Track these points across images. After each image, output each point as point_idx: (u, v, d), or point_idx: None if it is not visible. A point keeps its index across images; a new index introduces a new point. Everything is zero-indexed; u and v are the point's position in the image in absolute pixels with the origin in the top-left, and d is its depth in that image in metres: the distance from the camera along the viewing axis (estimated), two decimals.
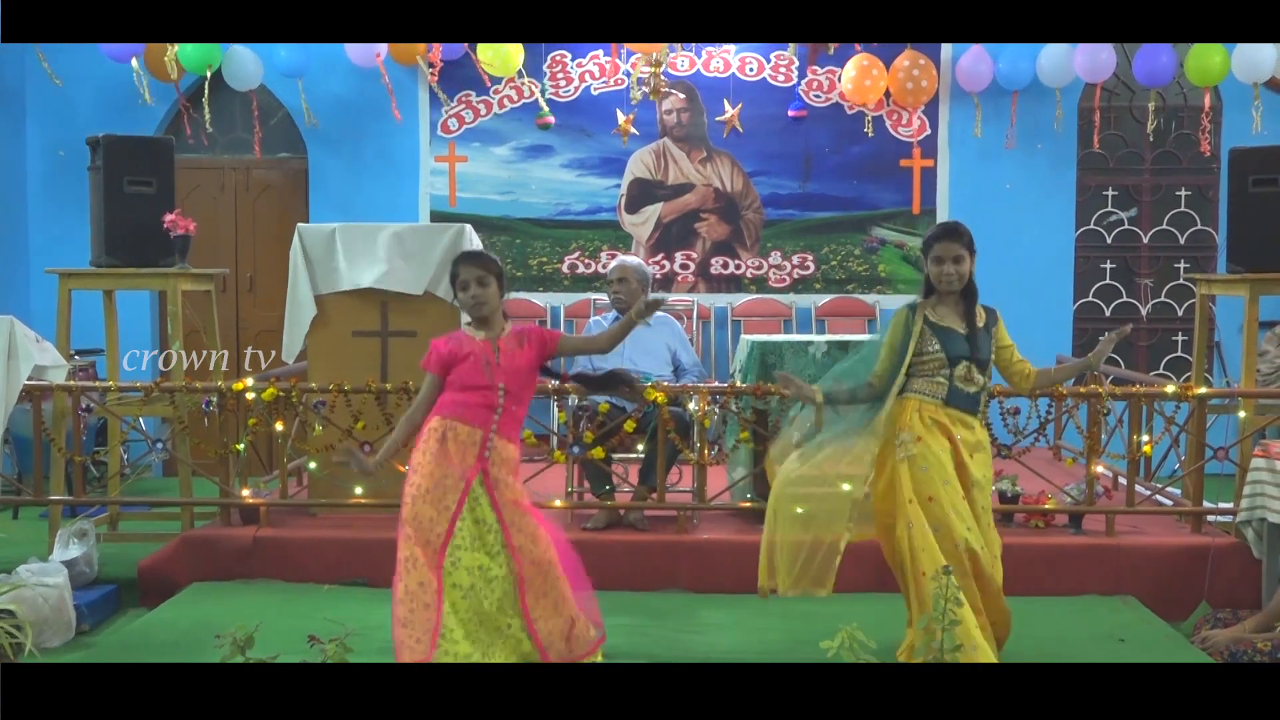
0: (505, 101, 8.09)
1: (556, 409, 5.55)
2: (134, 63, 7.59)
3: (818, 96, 8.04)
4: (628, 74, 7.89)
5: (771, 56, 7.99)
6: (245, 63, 7.69)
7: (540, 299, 8.10)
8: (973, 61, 7.77)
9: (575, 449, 5.41)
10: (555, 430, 5.62)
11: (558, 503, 5.56)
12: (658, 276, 7.99)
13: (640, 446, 5.53)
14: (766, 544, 4.07)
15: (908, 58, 7.77)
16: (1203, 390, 5.38)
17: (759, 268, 8.10)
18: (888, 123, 8.04)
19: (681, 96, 8.07)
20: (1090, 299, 8.24)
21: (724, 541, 5.36)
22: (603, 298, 7.54)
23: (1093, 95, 7.94)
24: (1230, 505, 5.35)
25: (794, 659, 4.24)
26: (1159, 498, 5.67)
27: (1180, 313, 8.23)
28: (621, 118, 7.91)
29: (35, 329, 5.40)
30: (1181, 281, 8.16)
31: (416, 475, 3.74)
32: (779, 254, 8.11)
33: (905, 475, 4.00)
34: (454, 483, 3.71)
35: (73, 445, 5.64)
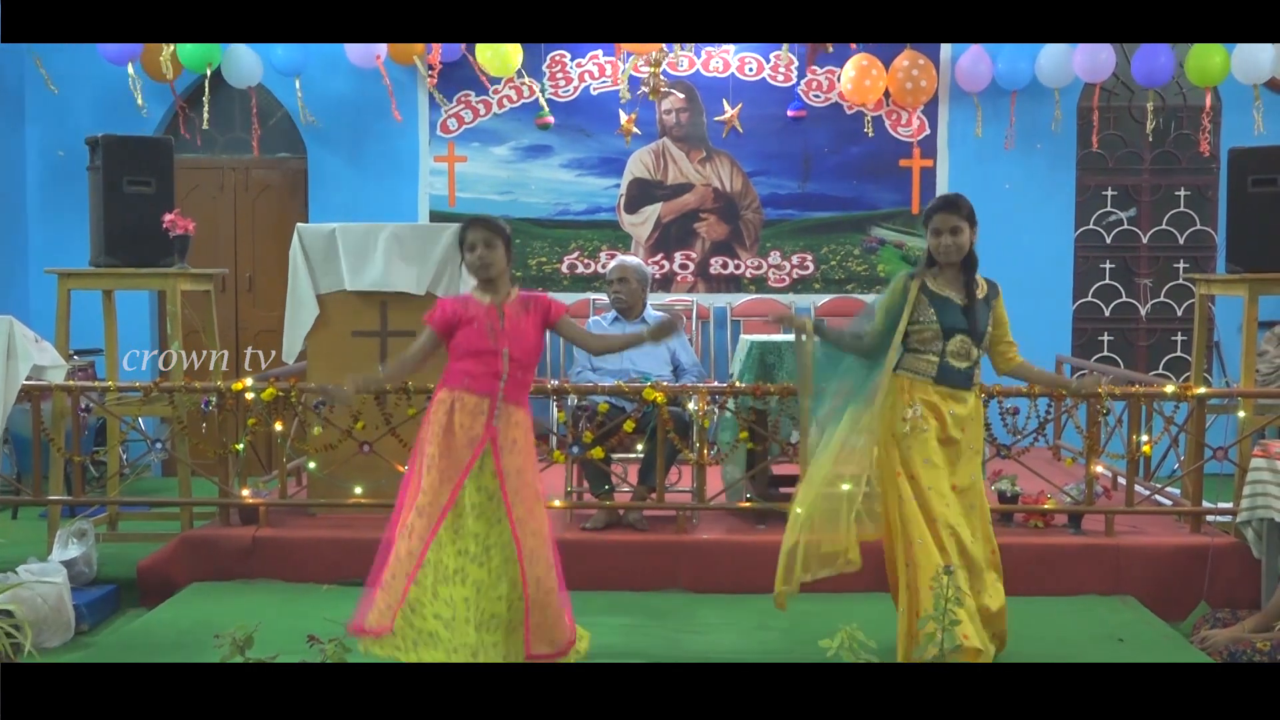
0: (505, 101, 8.09)
1: (556, 409, 5.54)
2: (129, 69, 7.60)
3: (817, 96, 8.04)
4: (629, 75, 7.89)
5: (771, 57, 7.99)
6: (244, 59, 7.69)
7: None
8: (972, 61, 7.77)
9: (574, 449, 5.41)
10: (554, 430, 5.62)
11: (557, 502, 5.55)
12: (657, 276, 7.99)
13: (640, 446, 5.53)
14: (788, 548, 4.09)
15: (907, 58, 7.77)
16: (1202, 390, 5.38)
17: (758, 268, 8.10)
18: (887, 123, 8.04)
19: (681, 96, 8.07)
20: (1089, 299, 8.24)
21: (723, 541, 5.36)
22: (602, 298, 7.54)
23: (1092, 95, 7.94)
24: (1229, 505, 5.36)
25: (794, 659, 4.24)
26: (1158, 498, 5.67)
27: (1179, 313, 8.23)
28: (624, 117, 7.91)
29: (34, 329, 5.39)
30: (1181, 281, 8.16)
31: (429, 446, 3.82)
32: (778, 254, 8.11)
33: (895, 450, 4.07)
34: (462, 452, 3.79)
35: (72, 445, 5.64)
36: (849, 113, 8.02)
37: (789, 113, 7.98)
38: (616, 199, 8.13)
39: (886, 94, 7.89)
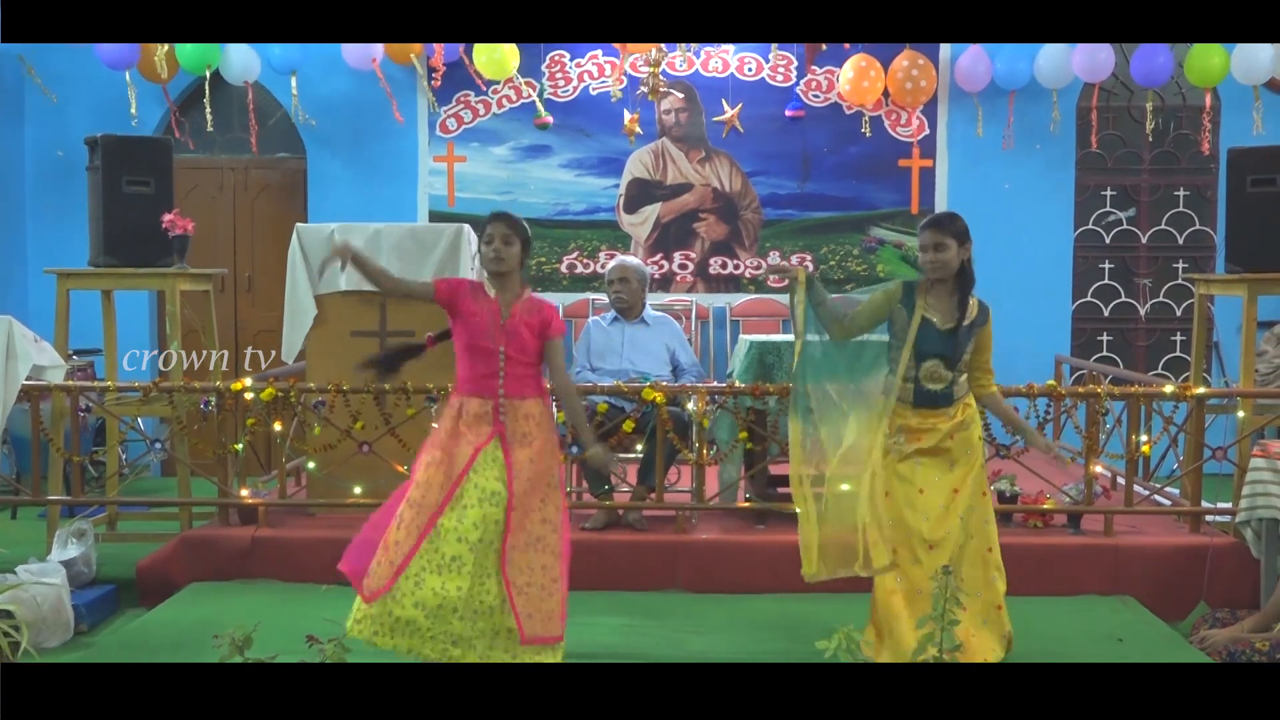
0: (504, 101, 8.09)
1: (555, 409, 5.53)
2: (126, 76, 7.60)
3: (816, 96, 8.04)
4: (628, 74, 7.90)
5: (770, 57, 7.98)
6: (242, 57, 7.69)
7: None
8: (971, 61, 7.77)
9: (574, 449, 5.40)
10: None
11: None
12: (656, 276, 7.99)
13: (639, 446, 5.53)
14: (809, 539, 4.10)
15: (906, 58, 7.77)
16: (1201, 390, 5.38)
17: (758, 267, 8.10)
18: (886, 123, 8.04)
19: (680, 96, 8.07)
20: (1089, 299, 8.24)
21: (723, 541, 5.36)
22: (602, 298, 7.54)
23: (1091, 95, 7.94)
24: (1229, 505, 5.36)
25: (792, 659, 4.24)
26: (1157, 498, 5.67)
27: (1179, 313, 8.24)
28: (627, 117, 7.90)
29: (34, 329, 5.39)
30: (1180, 281, 8.16)
31: (435, 448, 3.89)
32: (778, 254, 8.11)
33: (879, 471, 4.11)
34: (464, 453, 3.84)
35: (71, 445, 5.63)
36: (848, 113, 8.02)
37: (788, 113, 7.98)
38: (616, 199, 8.13)
39: (886, 94, 7.89)
